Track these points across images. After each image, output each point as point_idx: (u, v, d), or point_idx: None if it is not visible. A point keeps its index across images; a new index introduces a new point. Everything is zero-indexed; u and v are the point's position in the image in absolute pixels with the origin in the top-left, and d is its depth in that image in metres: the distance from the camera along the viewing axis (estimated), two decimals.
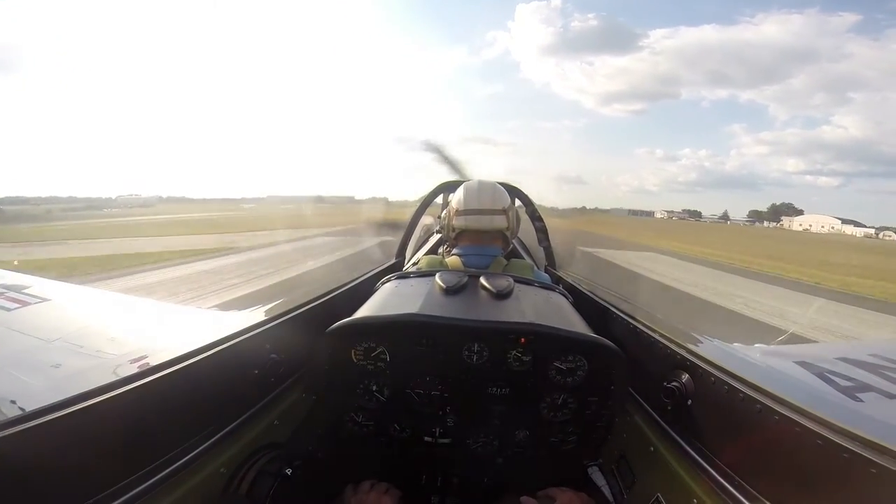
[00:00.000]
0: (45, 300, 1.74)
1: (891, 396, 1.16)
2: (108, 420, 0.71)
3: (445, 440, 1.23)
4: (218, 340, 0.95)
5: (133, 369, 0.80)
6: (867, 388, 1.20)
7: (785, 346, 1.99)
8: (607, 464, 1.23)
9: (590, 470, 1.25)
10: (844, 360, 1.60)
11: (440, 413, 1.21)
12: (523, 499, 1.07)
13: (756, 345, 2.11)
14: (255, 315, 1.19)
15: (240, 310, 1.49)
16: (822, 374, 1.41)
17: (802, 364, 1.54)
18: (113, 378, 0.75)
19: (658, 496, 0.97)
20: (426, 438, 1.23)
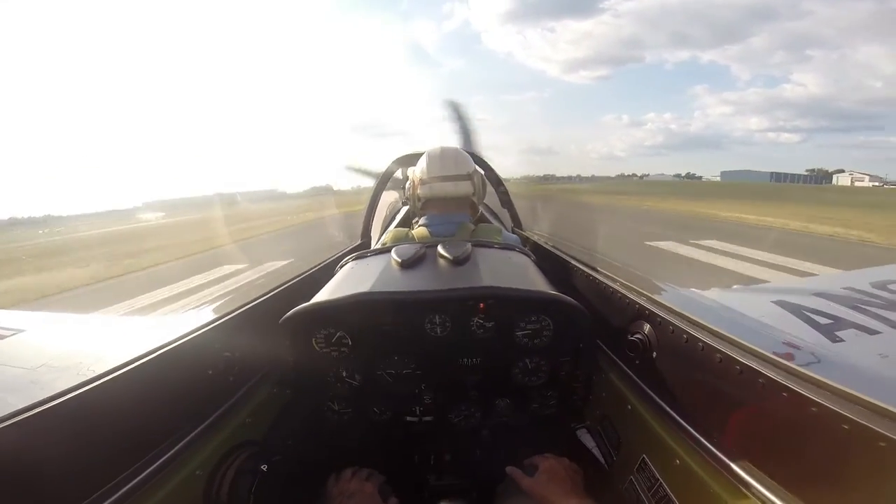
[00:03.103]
0: (19, 331, 1.78)
1: (871, 332, 1.13)
2: (70, 427, 0.67)
3: (428, 418, 1.22)
4: (161, 345, 0.92)
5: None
6: (846, 324, 1.17)
7: (761, 286, 1.99)
8: (593, 425, 1.21)
9: (579, 433, 1.24)
10: (821, 294, 1.58)
11: (416, 391, 1.19)
12: (508, 469, 1.07)
13: (734, 286, 2.10)
14: (205, 315, 1.16)
15: (189, 312, 1.48)
16: (800, 312, 1.39)
17: (780, 303, 1.52)
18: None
19: (644, 457, 0.94)
20: (408, 418, 1.22)
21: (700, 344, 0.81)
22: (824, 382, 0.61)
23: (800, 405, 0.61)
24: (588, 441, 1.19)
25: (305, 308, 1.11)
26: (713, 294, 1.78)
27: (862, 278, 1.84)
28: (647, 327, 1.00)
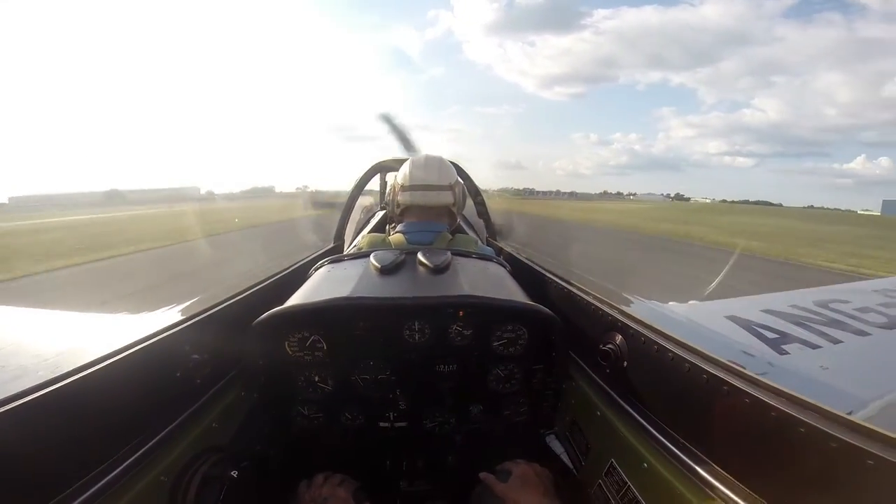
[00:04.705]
0: None
1: (813, 346, 1.19)
2: (23, 434, 0.64)
3: (401, 423, 1.21)
4: (129, 344, 0.89)
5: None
6: (792, 339, 1.23)
7: (714, 302, 2.09)
8: (561, 431, 1.24)
9: (547, 439, 1.27)
10: (769, 311, 1.67)
11: (391, 396, 1.19)
12: (482, 475, 1.07)
13: (690, 301, 2.19)
14: (173, 315, 1.13)
15: (157, 311, 1.44)
16: (750, 328, 1.46)
17: (732, 318, 1.59)
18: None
19: (612, 461, 0.97)
20: (381, 424, 1.21)
21: (670, 354, 0.85)
22: (781, 389, 0.64)
23: (760, 410, 0.65)
24: (557, 447, 1.22)
25: (282, 311, 1.09)
26: (672, 307, 1.85)
27: (807, 297, 1.95)
28: (619, 338, 1.03)
